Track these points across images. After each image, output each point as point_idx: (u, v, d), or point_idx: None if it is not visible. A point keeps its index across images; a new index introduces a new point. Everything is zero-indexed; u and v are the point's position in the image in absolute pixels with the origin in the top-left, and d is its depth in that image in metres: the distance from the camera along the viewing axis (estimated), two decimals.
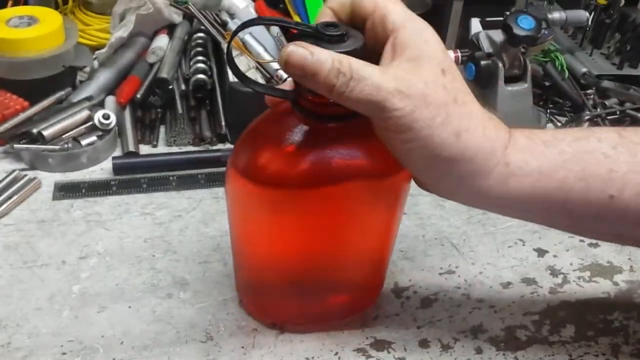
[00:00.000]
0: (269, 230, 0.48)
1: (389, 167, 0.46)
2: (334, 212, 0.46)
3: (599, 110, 0.88)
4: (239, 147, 0.48)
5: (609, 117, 0.88)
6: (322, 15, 0.46)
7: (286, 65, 0.41)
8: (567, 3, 1.03)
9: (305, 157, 0.45)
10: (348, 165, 0.45)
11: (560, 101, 0.92)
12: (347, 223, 0.47)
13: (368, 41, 0.44)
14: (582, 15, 0.96)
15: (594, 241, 0.69)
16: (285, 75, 0.81)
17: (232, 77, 0.80)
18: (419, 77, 0.42)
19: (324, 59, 0.40)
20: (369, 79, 0.40)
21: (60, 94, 0.81)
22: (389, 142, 0.43)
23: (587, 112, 0.88)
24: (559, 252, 0.67)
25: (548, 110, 0.91)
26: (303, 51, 0.41)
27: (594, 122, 0.87)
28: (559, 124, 0.89)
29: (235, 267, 0.58)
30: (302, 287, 0.53)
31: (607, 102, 0.90)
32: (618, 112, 0.88)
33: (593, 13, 0.99)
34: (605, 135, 0.48)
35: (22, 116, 0.76)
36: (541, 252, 0.67)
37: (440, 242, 0.67)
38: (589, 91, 0.92)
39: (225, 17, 0.88)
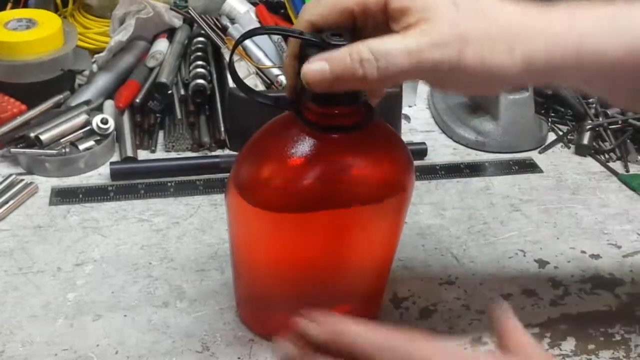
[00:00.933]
0: (269, 247, 0.47)
1: (394, 184, 0.45)
2: (337, 231, 0.45)
3: (600, 119, 0.88)
4: (239, 164, 0.47)
5: (610, 127, 0.87)
6: (299, 27, 0.44)
7: (310, 85, 0.40)
8: None
9: (308, 176, 0.43)
10: (353, 184, 0.44)
11: (561, 110, 0.92)
12: (350, 240, 0.46)
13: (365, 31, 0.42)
14: None
15: (595, 252, 0.68)
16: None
17: (231, 83, 0.79)
18: (437, 18, 0.40)
19: (342, 57, 0.39)
20: (393, 49, 0.39)
21: (58, 97, 0.80)
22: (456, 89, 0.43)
23: (589, 122, 0.87)
24: (560, 264, 0.67)
25: (549, 119, 0.90)
26: (317, 64, 0.40)
27: (595, 131, 0.86)
28: (560, 133, 0.88)
29: (234, 278, 0.57)
30: (302, 300, 0.53)
31: (609, 112, 0.89)
32: (620, 122, 0.87)
33: None
34: None
35: (19, 120, 0.75)
36: (542, 264, 0.67)
37: (440, 252, 0.67)
38: (590, 100, 0.91)
39: (225, 21, 0.88)
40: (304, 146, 0.43)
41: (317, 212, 0.43)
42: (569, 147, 0.86)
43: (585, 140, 0.85)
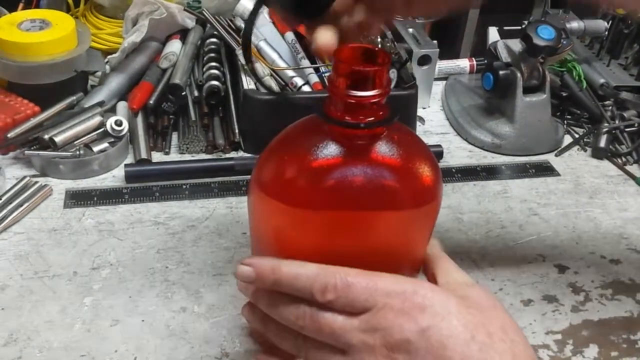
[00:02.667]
0: (292, 248, 0.46)
1: (424, 191, 0.44)
2: (364, 235, 0.44)
3: (617, 122, 0.87)
4: (263, 162, 0.46)
5: (627, 129, 0.86)
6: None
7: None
8: (583, 12, 1.02)
9: (333, 175, 0.43)
10: (379, 188, 0.43)
11: (578, 112, 0.91)
12: (379, 246, 0.45)
13: None
14: (601, 25, 0.95)
15: (615, 257, 0.68)
16: (300, 83, 0.80)
17: (246, 84, 0.78)
18: None
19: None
20: None
21: (71, 99, 0.79)
22: None
23: (605, 124, 0.86)
24: (580, 269, 0.66)
25: (565, 122, 0.90)
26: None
27: (612, 134, 0.85)
28: (576, 136, 0.87)
29: None
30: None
31: (625, 114, 0.89)
32: (637, 125, 0.87)
33: (611, 23, 0.98)
34: None
35: (33, 121, 0.75)
36: (562, 269, 0.66)
37: (459, 257, 0.66)
38: (607, 102, 0.90)
39: (239, 22, 0.87)
40: (329, 145, 0.42)
41: (342, 213, 0.43)
42: (585, 150, 0.86)
43: (602, 143, 0.84)
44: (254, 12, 0.48)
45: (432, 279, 0.46)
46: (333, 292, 0.41)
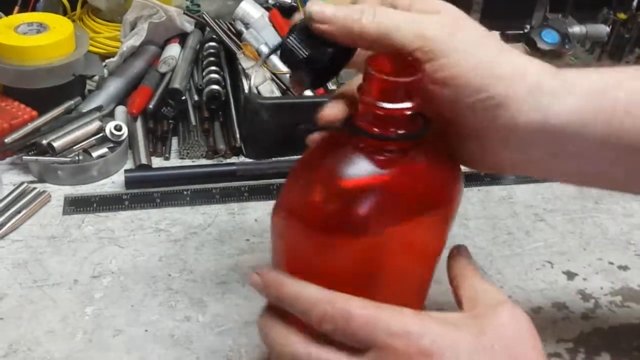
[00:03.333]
0: (321, 273, 0.44)
1: (448, 194, 0.43)
2: (399, 248, 0.42)
3: None
4: (290, 184, 0.43)
5: None
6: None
7: (313, 15, 0.41)
8: (582, 16, 1.02)
9: (366, 194, 0.40)
10: (412, 198, 0.42)
11: None
12: (408, 261, 0.44)
13: None
14: (602, 29, 0.94)
15: (623, 264, 0.67)
16: None
17: (247, 89, 0.77)
18: None
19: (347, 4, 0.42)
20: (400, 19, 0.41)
21: (69, 103, 0.78)
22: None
23: None
24: (588, 275, 0.65)
25: None
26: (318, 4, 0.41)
27: None
28: None
29: None
30: None
31: None
32: None
33: (612, 27, 0.98)
34: None
35: (30, 126, 0.73)
36: (570, 275, 0.65)
37: None
38: None
39: (240, 26, 0.86)
40: (361, 164, 0.40)
41: (382, 231, 0.41)
42: None
43: None
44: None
45: (457, 292, 0.44)
46: (331, 323, 0.38)
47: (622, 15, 0.96)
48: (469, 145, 0.44)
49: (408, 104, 0.39)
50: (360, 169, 0.40)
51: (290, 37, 0.43)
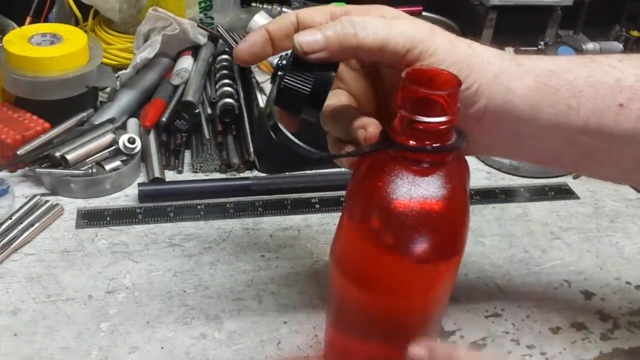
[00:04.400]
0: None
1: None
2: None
3: None
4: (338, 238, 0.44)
5: None
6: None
7: (305, 50, 0.42)
8: (593, 34, 1.02)
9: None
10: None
11: None
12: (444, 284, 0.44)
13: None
14: (616, 47, 0.94)
15: None
16: None
17: (261, 102, 0.77)
18: None
19: (332, 24, 0.43)
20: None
21: (82, 115, 0.77)
22: None
23: None
24: (606, 295, 0.64)
25: None
26: (310, 33, 0.42)
27: None
28: None
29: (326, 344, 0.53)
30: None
31: None
32: None
33: (624, 44, 0.98)
34: (611, 55, 0.48)
35: (43, 138, 0.73)
36: (588, 295, 0.64)
37: (483, 282, 0.64)
38: None
39: None
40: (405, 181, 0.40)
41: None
42: None
43: None
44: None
45: None
46: None
47: (635, 33, 0.95)
48: None
49: (446, 117, 0.39)
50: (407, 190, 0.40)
51: (286, 79, 0.42)
